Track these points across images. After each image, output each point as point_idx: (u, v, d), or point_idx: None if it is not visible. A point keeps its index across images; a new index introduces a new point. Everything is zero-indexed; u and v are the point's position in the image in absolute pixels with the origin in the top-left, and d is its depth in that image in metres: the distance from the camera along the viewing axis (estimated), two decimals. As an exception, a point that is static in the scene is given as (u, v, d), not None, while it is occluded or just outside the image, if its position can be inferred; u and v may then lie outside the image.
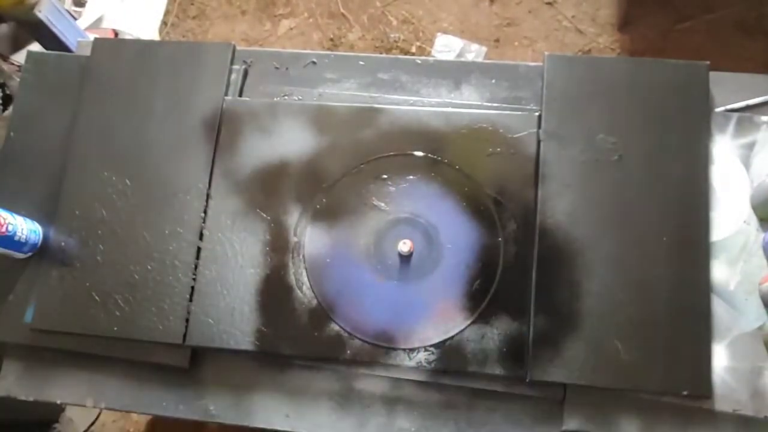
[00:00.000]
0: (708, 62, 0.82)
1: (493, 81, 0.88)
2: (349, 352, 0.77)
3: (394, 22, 1.84)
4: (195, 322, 0.79)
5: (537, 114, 0.82)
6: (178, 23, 1.94)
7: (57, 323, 0.81)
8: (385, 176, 0.82)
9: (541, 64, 0.86)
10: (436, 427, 0.77)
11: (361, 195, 0.82)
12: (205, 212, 0.83)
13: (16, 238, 0.80)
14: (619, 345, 0.73)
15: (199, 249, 0.82)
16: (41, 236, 0.84)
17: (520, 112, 0.83)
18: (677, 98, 0.80)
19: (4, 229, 0.78)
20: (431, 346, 0.76)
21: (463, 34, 1.80)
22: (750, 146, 0.80)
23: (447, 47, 1.78)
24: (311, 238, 0.81)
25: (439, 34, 1.79)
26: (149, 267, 0.81)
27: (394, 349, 0.76)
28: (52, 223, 0.85)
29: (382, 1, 1.87)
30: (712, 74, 0.82)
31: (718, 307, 0.75)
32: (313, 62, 0.92)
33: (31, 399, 0.84)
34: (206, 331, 0.79)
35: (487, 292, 0.77)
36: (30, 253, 0.83)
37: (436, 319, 0.76)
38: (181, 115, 0.87)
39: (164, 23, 1.94)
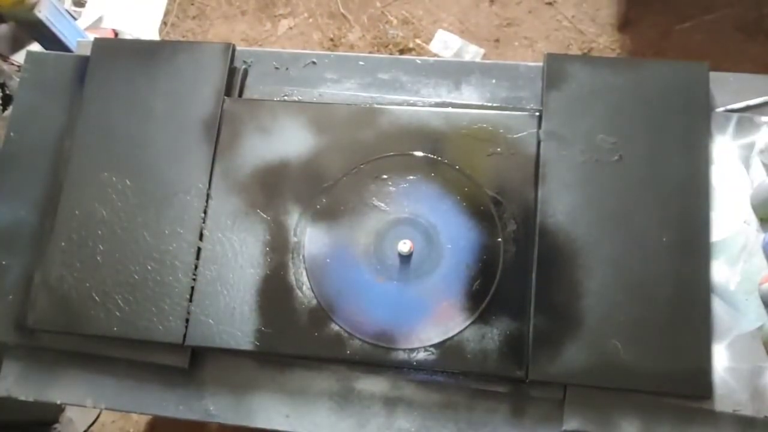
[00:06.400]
0: (708, 62, 0.82)
1: (493, 81, 0.88)
2: (349, 352, 0.77)
3: (394, 22, 1.84)
4: (195, 322, 0.79)
5: (537, 114, 0.82)
6: (178, 23, 1.94)
7: (57, 323, 0.81)
8: (385, 176, 0.82)
9: (541, 64, 0.86)
10: (436, 427, 0.77)
11: (361, 195, 0.82)
12: (205, 212, 0.83)
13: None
14: (619, 345, 0.73)
15: (199, 249, 0.82)
16: None
17: (520, 112, 0.83)
18: (677, 98, 0.80)
19: None
20: (431, 346, 0.76)
21: (463, 34, 1.80)
22: (750, 146, 0.80)
23: (445, 44, 1.78)
24: (311, 238, 0.81)
25: (439, 30, 1.80)
26: (149, 267, 0.81)
27: (394, 349, 0.76)
28: (52, 222, 0.85)
29: (382, 1, 1.87)
30: (712, 74, 0.82)
31: (718, 307, 0.75)
32: (313, 62, 0.92)
33: (31, 399, 0.84)
34: (206, 331, 0.79)
35: (487, 292, 0.77)
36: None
37: (436, 319, 0.76)
38: (181, 115, 0.87)
39: (164, 23, 1.94)
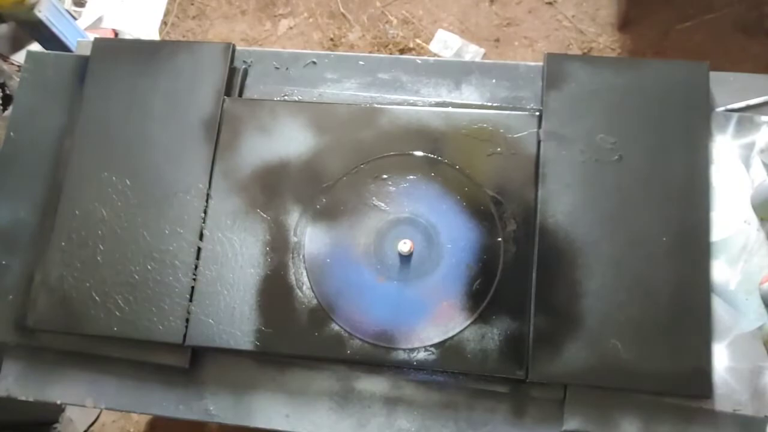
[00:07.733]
0: (708, 62, 0.82)
1: (493, 81, 0.88)
2: (349, 352, 0.77)
3: (394, 22, 1.84)
4: (195, 322, 0.79)
5: (537, 114, 0.82)
6: (178, 23, 1.94)
7: (57, 323, 0.81)
8: (385, 176, 0.82)
9: (541, 64, 0.86)
10: (436, 427, 0.77)
11: (361, 195, 0.82)
12: (205, 212, 0.83)
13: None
14: (619, 345, 0.73)
15: (199, 249, 0.82)
16: None
17: (520, 112, 0.83)
18: (677, 98, 0.80)
19: None
20: (431, 346, 0.76)
21: (463, 33, 1.80)
22: (750, 146, 0.80)
23: (445, 44, 1.79)
24: (311, 238, 0.81)
25: (439, 30, 1.80)
26: (149, 267, 0.81)
27: (394, 349, 0.76)
28: (52, 222, 0.85)
29: (382, 1, 1.87)
30: (712, 74, 0.82)
31: (718, 307, 0.75)
32: (313, 62, 0.92)
33: (31, 399, 0.84)
34: (206, 331, 0.79)
35: (487, 292, 0.77)
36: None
37: (436, 319, 0.76)
38: (181, 115, 0.87)
39: (164, 23, 1.93)
